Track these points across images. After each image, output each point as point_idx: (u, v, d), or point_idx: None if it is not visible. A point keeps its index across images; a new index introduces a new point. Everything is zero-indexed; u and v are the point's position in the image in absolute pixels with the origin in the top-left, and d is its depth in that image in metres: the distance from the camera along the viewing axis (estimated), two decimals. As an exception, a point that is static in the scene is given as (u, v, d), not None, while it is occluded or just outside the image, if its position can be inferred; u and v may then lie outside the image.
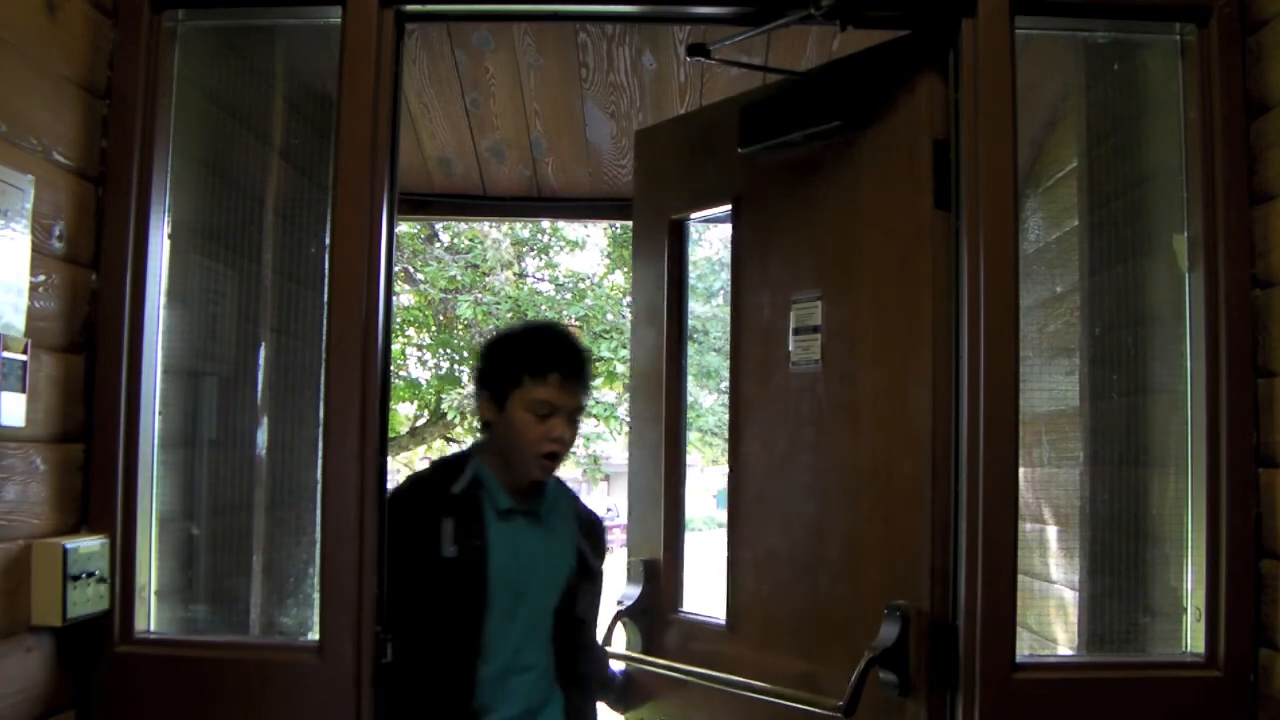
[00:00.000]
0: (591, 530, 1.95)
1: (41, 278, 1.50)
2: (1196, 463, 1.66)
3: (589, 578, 1.90)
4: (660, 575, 2.17)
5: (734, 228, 2.07)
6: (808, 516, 1.87)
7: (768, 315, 1.96)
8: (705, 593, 2.41)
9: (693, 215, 2.24)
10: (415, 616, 1.67)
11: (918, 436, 1.70)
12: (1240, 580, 1.59)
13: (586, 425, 8.92)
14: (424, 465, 2.02)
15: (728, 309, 2.22)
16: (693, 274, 2.51)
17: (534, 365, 1.76)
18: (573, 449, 1.81)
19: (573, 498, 1.97)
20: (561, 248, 9.63)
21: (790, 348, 1.87)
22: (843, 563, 1.80)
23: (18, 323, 1.43)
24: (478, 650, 1.73)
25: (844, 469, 1.81)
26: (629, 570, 2.22)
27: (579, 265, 10.13)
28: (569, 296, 9.43)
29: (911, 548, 1.68)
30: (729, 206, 2.08)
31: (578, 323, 8.99)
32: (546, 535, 1.83)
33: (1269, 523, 1.58)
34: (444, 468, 1.85)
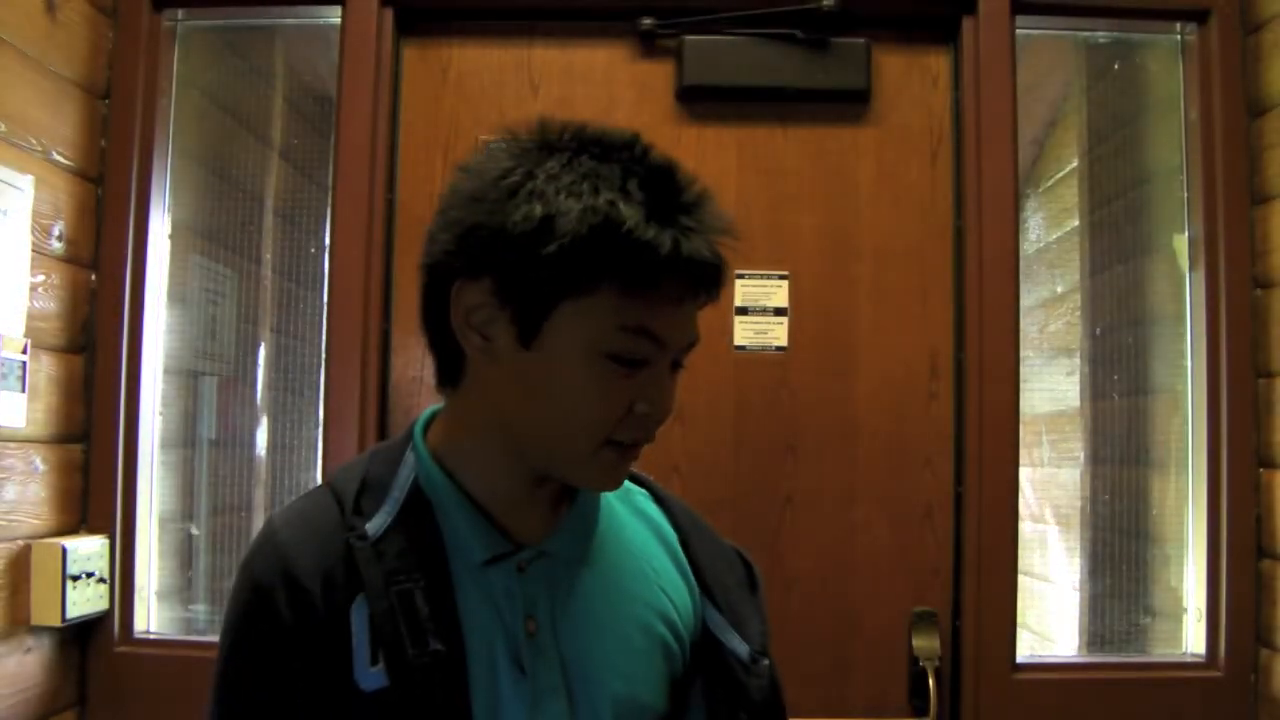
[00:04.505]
0: (714, 570, 0.91)
1: (41, 278, 1.50)
2: (1196, 463, 1.66)
3: (725, 669, 0.87)
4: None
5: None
6: (770, 513, 1.73)
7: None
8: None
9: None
10: None
11: (928, 426, 1.70)
12: (1240, 580, 1.59)
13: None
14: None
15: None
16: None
17: (637, 252, 0.72)
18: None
19: (659, 507, 0.95)
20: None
21: (734, 328, 1.73)
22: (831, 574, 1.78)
23: (18, 323, 1.43)
24: None
25: (831, 457, 1.78)
26: None
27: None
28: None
29: (928, 554, 1.68)
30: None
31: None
32: (605, 593, 0.84)
33: (1269, 523, 1.58)
34: (348, 481, 0.83)
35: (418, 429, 0.86)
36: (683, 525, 0.93)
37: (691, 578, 0.90)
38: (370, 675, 0.75)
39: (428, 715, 0.76)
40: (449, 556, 0.80)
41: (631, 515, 0.92)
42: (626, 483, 0.92)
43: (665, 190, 0.75)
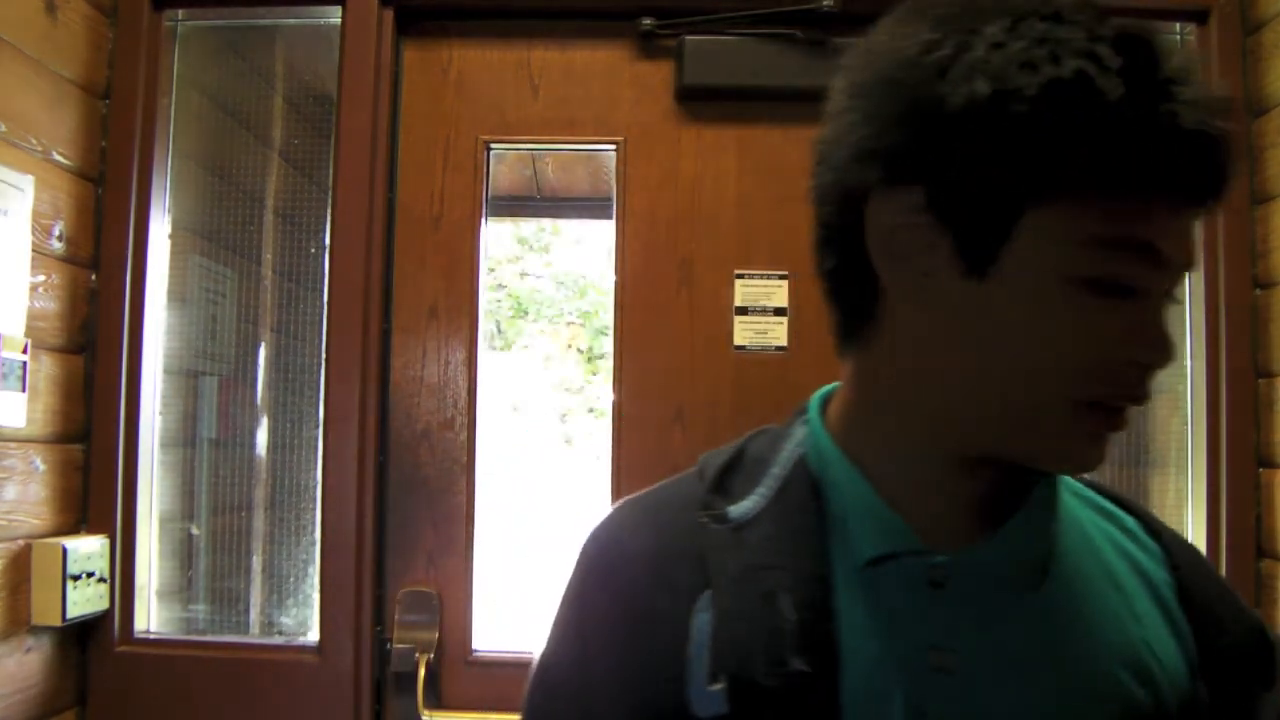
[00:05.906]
0: (1220, 641, 0.65)
1: (41, 278, 1.50)
2: (1196, 462, 1.66)
3: None
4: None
5: (618, 178, 1.79)
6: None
7: (679, 291, 1.75)
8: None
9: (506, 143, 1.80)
10: None
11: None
12: (1239, 580, 1.58)
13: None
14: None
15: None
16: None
17: (1124, 136, 0.52)
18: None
19: (1153, 541, 0.72)
20: (562, 246, 9.66)
21: (734, 329, 1.73)
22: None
23: (18, 323, 1.43)
24: None
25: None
26: None
27: (579, 264, 10.15)
28: (570, 294, 9.46)
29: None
30: (609, 147, 1.80)
31: (579, 319, 8.99)
32: (1056, 632, 0.61)
33: (1268, 523, 1.58)
34: (717, 456, 0.70)
35: (813, 400, 0.70)
36: (1183, 568, 0.68)
37: (1188, 639, 0.65)
38: (707, 696, 0.57)
39: None
40: (832, 552, 0.61)
41: (1105, 539, 0.69)
42: (1111, 505, 0.74)
43: (1145, 56, 0.54)
